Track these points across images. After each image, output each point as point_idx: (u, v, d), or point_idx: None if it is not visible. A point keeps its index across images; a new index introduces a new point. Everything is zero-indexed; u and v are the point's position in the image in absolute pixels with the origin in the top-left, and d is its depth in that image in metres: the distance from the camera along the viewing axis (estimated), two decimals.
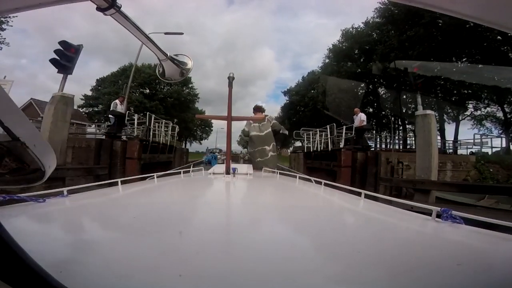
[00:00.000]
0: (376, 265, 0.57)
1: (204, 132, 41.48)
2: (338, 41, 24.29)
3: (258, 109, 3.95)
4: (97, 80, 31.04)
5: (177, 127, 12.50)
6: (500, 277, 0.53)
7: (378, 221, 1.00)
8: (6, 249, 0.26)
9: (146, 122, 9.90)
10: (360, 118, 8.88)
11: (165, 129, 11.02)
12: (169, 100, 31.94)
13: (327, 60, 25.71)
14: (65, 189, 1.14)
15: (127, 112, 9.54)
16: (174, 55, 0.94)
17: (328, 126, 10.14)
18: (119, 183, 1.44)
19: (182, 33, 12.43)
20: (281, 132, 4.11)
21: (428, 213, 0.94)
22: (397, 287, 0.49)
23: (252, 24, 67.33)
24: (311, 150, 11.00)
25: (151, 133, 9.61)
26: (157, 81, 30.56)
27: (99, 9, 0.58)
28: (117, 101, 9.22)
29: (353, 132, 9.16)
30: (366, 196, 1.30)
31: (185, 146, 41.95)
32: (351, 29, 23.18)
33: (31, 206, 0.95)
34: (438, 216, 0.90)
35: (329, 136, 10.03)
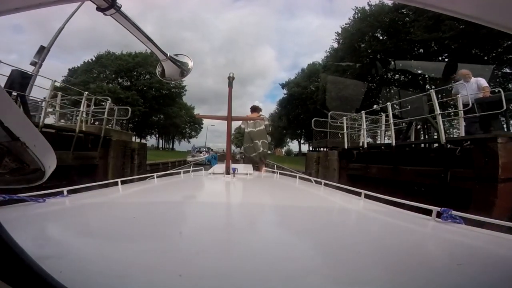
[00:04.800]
0: (376, 265, 0.57)
1: (193, 129, 38.65)
2: (348, 24, 21.57)
3: (255, 109, 4.32)
4: (69, 69, 28.95)
5: (128, 110, 8.36)
6: (500, 277, 0.53)
7: (378, 221, 1.00)
8: (6, 249, 0.26)
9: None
10: (479, 84, 4.68)
11: (91, 108, 6.64)
12: (151, 92, 28.68)
13: (336, 45, 23.16)
14: (65, 189, 1.14)
15: None
16: (174, 55, 0.94)
17: (431, 92, 4.61)
18: (119, 183, 1.44)
19: None
20: (270, 130, 4.54)
21: (428, 213, 0.95)
22: (397, 287, 0.49)
23: (256, 21, 67.17)
24: (361, 146, 6.19)
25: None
26: (139, 70, 28.13)
27: (99, 9, 0.58)
28: None
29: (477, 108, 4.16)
30: (366, 196, 1.30)
31: (172, 145, 38.82)
32: (367, 7, 19.99)
33: (31, 206, 0.95)
34: (438, 216, 0.90)
35: (438, 112, 4.37)
